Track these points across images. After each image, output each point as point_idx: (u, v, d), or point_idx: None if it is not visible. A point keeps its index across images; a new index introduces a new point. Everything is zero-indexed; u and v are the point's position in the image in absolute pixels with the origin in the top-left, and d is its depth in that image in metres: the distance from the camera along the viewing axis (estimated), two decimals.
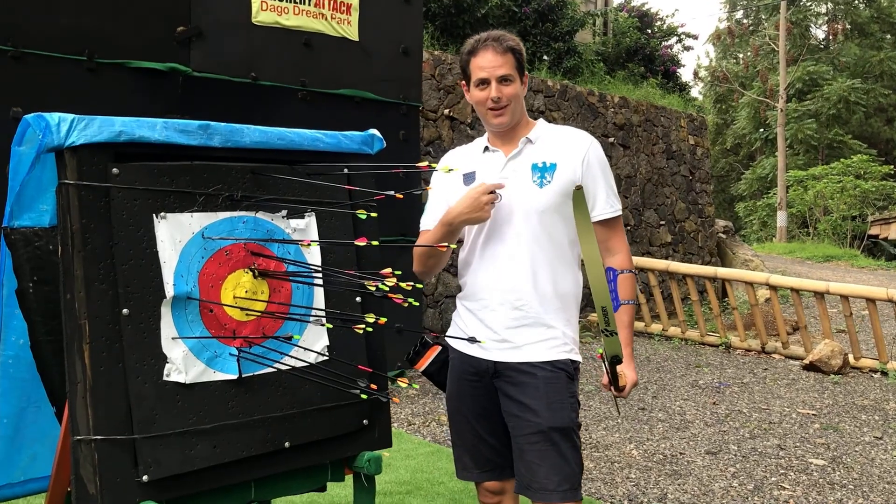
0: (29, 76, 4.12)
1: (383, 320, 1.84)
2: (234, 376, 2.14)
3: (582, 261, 2.12)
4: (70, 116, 1.95)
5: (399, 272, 1.82)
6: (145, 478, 1.95)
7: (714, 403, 5.74)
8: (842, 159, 23.05)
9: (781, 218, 22.70)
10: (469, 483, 3.80)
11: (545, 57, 10.80)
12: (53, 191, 2.01)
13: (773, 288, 7.67)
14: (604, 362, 2.13)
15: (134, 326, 1.99)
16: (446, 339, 2.30)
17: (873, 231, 21.05)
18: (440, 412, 5.17)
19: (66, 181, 1.94)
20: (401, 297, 1.81)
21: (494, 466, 2.32)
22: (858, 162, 22.27)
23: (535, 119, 2.42)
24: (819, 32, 31.36)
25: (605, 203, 2.28)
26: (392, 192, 1.72)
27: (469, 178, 2.33)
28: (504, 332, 2.22)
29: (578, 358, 2.27)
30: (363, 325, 1.88)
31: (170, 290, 2.04)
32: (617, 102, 10.16)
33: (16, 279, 2.11)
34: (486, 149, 2.36)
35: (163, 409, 2.01)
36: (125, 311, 1.98)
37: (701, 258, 11.50)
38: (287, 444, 2.21)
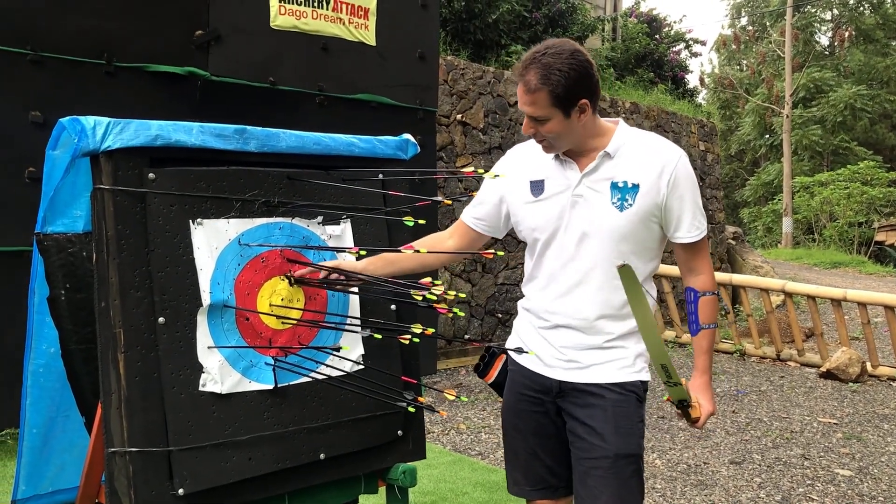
0: (48, 80, 4.08)
1: (431, 331, 1.78)
2: (270, 386, 2.09)
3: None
4: (106, 120, 1.91)
5: (440, 282, 1.77)
6: (181, 491, 1.90)
7: (733, 412, 5.68)
8: (849, 165, 23.00)
9: (787, 224, 22.63)
10: (496, 493, 3.78)
11: None
12: (88, 196, 1.97)
13: (789, 295, 7.61)
14: (673, 404, 2.06)
15: (170, 335, 1.94)
16: (511, 351, 2.19)
17: (879, 237, 20.97)
18: (458, 420, 5.11)
19: (102, 186, 1.90)
20: (445, 306, 1.75)
21: (547, 485, 2.22)
22: (865, 168, 22.22)
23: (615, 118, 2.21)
24: (824, 39, 31.36)
25: (691, 225, 2.09)
26: (440, 199, 1.67)
27: (537, 187, 2.13)
28: (572, 353, 2.10)
29: (648, 377, 2.14)
30: (409, 336, 1.82)
31: (206, 298, 1.99)
32: (628, 108, 10.12)
33: (47, 286, 2.06)
34: (558, 156, 2.14)
35: (198, 420, 1.96)
36: (161, 319, 1.93)
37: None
38: (322, 456, 2.16)
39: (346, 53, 5.36)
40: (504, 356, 2.26)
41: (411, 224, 1.80)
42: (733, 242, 12.38)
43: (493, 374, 2.27)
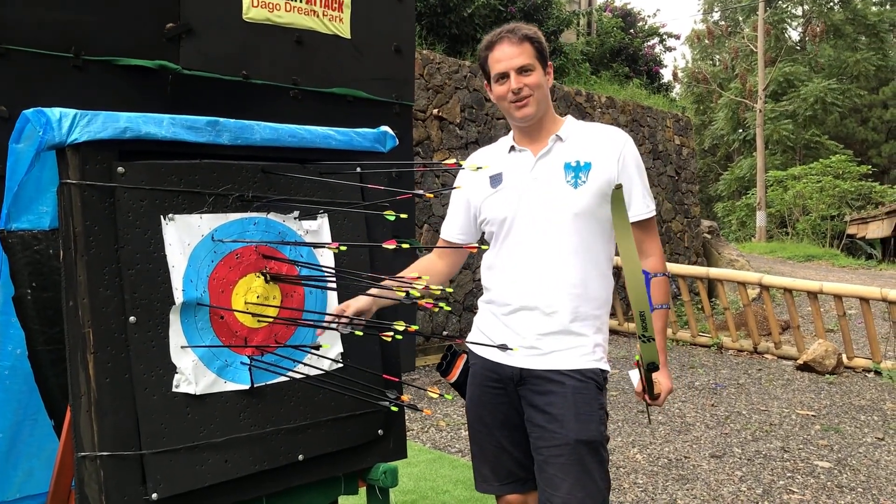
0: (13, 73, 3.96)
1: (414, 328, 1.73)
2: (246, 386, 2.03)
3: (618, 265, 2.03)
4: (72, 112, 1.84)
5: (428, 276, 1.71)
6: (154, 495, 1.84)
7: (713, 405, 5.68)
8: (821, 159, 23.24)
9: (761, 218, 22.83)
10: (474, 490, 3.72)
11: None
12: (54, 191, 1.89)
13: (766, 288, 7.64)
14: (639, 369, 2.03)
15: (141, 335, 1.88)
16: (471, 344, 2.18)
17: (851, 230, 21.23)
18: (438, 417, 5.06)
19: (68, 181, 1.83)
20: (431, 301, 1.70)
21: (516, 479, 2.20)
22: (837, 162, 22.47)
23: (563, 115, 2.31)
24: (795, 34, 31.65)
25: (641, 203, 2.16)
26: (422, 192, 1.61)
27: (496, 179, 2.21)
28: (533, 338, 2.10)
29: (608, 367, 2.15)
30: (391, 334, 1.76)
31: (179, 296, 1.93)
32: (604, 102, 10.12)
33: (12, 285, 1.98)
34: (513, 148, 2.23)
35: (172, 422, 1.90)
36: (132, 318, 1.86)
37: (687, 258, 11.49)
38: (301, 457, 2.10)
39: (321, 47, 5.27)
40: (465, 355, 2.26)
41: (392, 218, 1.75)
42: (709, 236, 12.45)
43: (455, 373, 2.27)
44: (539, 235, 2.12)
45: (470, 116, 8.13)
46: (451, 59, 8.11)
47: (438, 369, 2.32)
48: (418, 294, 1.74)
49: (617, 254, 2.04)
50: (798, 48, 30.83)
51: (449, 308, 1.75)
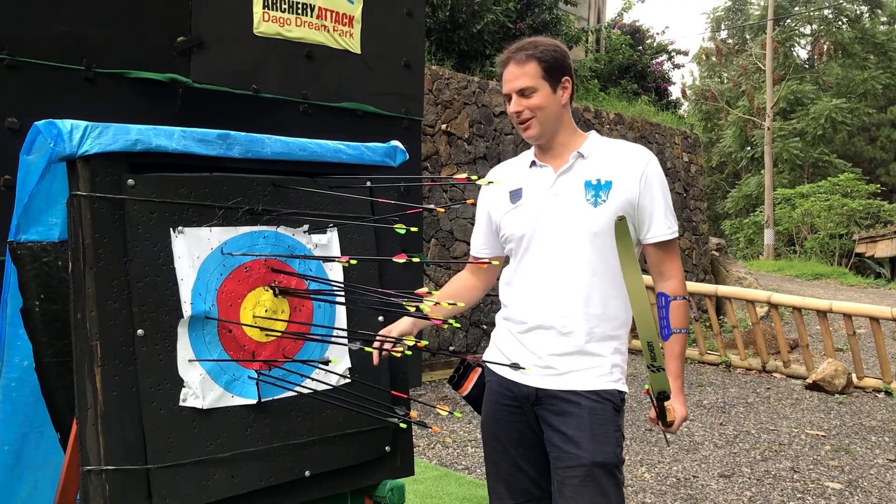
0: (25, 86, 3.99)
1: (424, 343, 1.71)
2: (254, 401, 2.01)
3: None
4: (83, 124, 1.83)
5: (437, 292, 1.70)
6: None
7: (721, 424, 5.64)
8: (829, 178, 23.18)
9: (768, 236, 22.75)
10: None
11: None
12: (64, 203, 1.89)
13: (775, 306, 7.60)
14: (651, 398, 2.00)
15: (149, 348, 1.87)
16: (488, 363, 2.16)
17: (859, 249, 21.13)
18: (444, 433, 5.03)
19: (79, 192, 1.82)
20: (440, 317, 1.68)
21: (531, 498, 2.17)
22: (846, 180, 22.40)
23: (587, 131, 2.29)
24: (803, 52, 31.67)
25: (663, 224, 2.11)
26: (432, 207, 1.60)
27: (515, 195, 2.19)
28: (548, 358, 2.07)
29: (625, 388, 2.12)
30: (402, 349, 1.75)
31: (187, 310, 1.91)
32: (612, 119, 10.12)
33: (21, 297, 1.98)
34: (534, 164, 2.21)
35: (178, 436, 1.89)
36: (140, 331, 1.85)
37: (695, 276, 11.45)
38: (308, 473, 2.08)
39: (331, 61, 5.29)
40: (480, 369, 2.23)
41: (402, 231, 1.74)
42: (717, 254, 12.40)
43: (468, 386, 2.25)
44: (557, 253, 2.10)
45: (478, 132, 8.13)
46: (460, 74, 8.13)
47: (450, 382, 2.30)
48: (428, 309, 1.72)
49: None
50: (806, 66, 30.83)
51: (458, 325, 1.73)
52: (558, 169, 2.15)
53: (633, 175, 2.09)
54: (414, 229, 1.77)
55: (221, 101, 4.72)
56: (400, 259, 1.76)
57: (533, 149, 2.26)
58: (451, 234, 7.74)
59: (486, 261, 1.93)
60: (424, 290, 1.71)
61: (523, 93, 2.12)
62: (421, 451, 4.66)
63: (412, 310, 1.71)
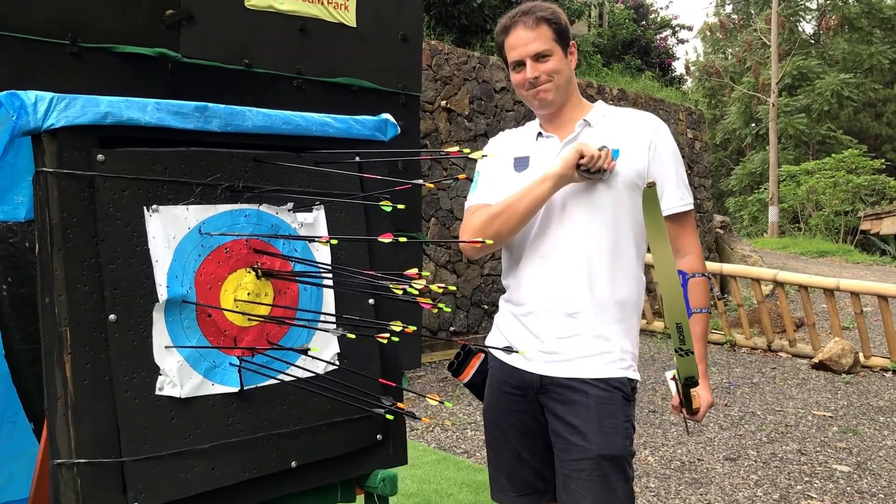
0: (7, 61, 3.84)
1: (412, 329, 1.61)
2: (236, 389, 1.91)
3: (650, 266, 1.89)
4: (49, 95, 1.73)
5: (427, 273, 1.59)
6: None
7: (726, 405, 5.54)
8: (833, 154, 22.97)
9: (773, 213, 22.59)
10: (482, 494, 3.61)
11: None
12: (30, 180, 1.78)
13: (780, 284, 7.48)
14: (676, 384, 1.88)
15: (122, 334, 1.76)
16: (490, 348, 2.04)
17: (864, 226, 20.97)
18: (444, 416, 4.94)
19: (45, 169, 1.71)
20: (429, 301, 1.57)
21: (533, 490, 2.06)
22: (851, 157, 22.20)
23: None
24: (809, 27, 31.31)
25: (675, 195, 1.98)
26: (421, 182, 1.49)
27: (521, 163, 2.06)
28: (553, 342, 1.94)
29: (637, 376, 1.99)
30: (388, 335, 1.64)
31: (163, 293, 1.80)
32: (616, 95, 9.96)
33: None
34: (540, 135, 2.08)
35: (155, 427, 1.78)
36: (112, 316, 1.74)
37: None
38: (294, 464, 1.98)
39: (326, 35, 5.13)
40: (482, 354, 2.10)
41: (389, 209, 1.62)
42: (721, 231, 12.27)
43: (469, 373, 2.12)
44: (561, 229, 1.97)
45: (479, 108, 7.99)
46: (460, 49, 7.97)
47: (450, 368, 2.18)
48: (416, 291, 1.60)
49: (649, 251, 1.90)
50: (812, 41, 30.49)
51: (448, 309, 1.62)
52: (564, 138, 2.04)
53: (642, 143, 1.97)
54: (401, 206, 1.65)
55: (213, 77, 4.56)
56: (386, 239, 1.64)
57: (537, 120, 2.13)
58: (451, 213, 7.62)
59: (480, 241, 1.78)
60: (414, 271, 1.59)
61: (538, 57, 1.99)
62: (419, 434, 4.57)
63: (399, 293, 1.59)
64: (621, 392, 1.93)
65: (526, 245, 2.04)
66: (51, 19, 3.95)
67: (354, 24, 5.30)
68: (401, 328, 1.61)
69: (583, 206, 1.95)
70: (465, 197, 7.29)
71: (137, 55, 4.26)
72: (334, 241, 1.76)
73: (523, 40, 2.00)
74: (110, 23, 4.16)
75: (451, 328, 7.37)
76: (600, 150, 1.90)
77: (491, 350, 2.09)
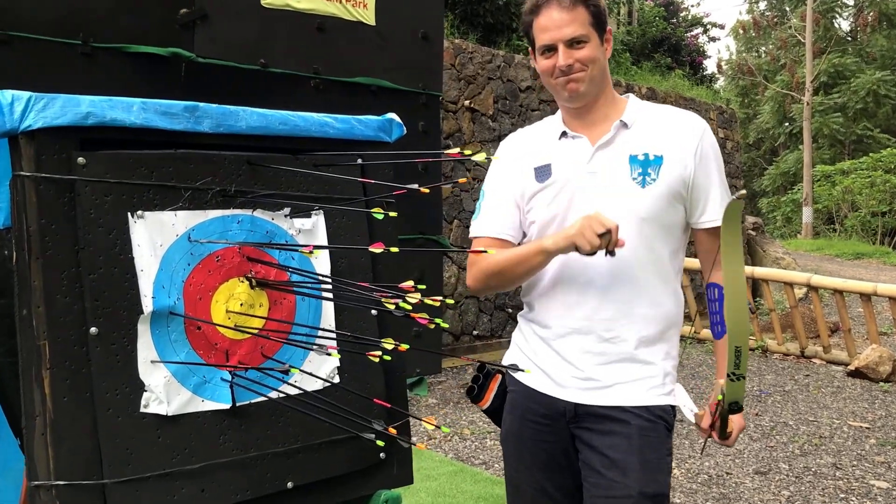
0: (17, 62, 3.78)
1: (405, 347, 1.48)
2: (227, 405, 1.80)
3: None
4: (26, 94, 1.63)
5: (423, 287, 1.46)
6: None
7: (757, 414, 5.35)
8: (871, 154, 22.46)
9: (807, 214, 22.15)
10: None
11: None
12: (7, 185, 1.69)
13: (814, 289, 7.25)
14: (719, 409, 1.73)
15: (104, 348, 1.66)
16: (508, 369, 1.88)
17: None
18: (462, 424, 4.82)
19: (22, 173, 1.61)
20: (425, 316, 1.45)
21: None
22: (889, 156, 21.68)
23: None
24: (845, 24, 30.69)
25: (719, 206, 1.81)
26: (416, 186, 1.37)
27: (543, 172, 1.87)
28: (590, 368, 1.79)
29: (676, 401, 1.85)
30: (380, 353, 1.51)
31: (148, 305, 1.70)
32: (645, 93, 9.77)
33: None
34: (564, 134, 1.89)
35: (140, 446, 1.68)
36: (93, 329, 1.64)
37: None
38: (290, 485, 1.86)
39: (344, 34, 5.03)
40: (500, 376, 1.94)
41: (381, 217, 1.50)
42: (753, 233, 12.01)
43: (489, 398, 1.95)
44: None
45: (503, 108, 7.85)
46: (484, 48, 7.85)
47: (469, 394, 2.00)
48: (409, 307, 1.48)
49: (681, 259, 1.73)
50: (848, 38, 29.88)
51: (447, 325, 1.49)
52: (596, 140, 1.85)
53: (688, 148, 1.80)
54: (392, 214, 1.53)
55: (228, 77, 4.49)
56: (376, 249, 1.52)
57: (559, 115, 1.95)
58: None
59: (483, 250, 1.64)
60: (409, 283, 1.47)
61: (573, 43, 1.80)
62: (437, 444, 4.45)
63: (391, 307, 1.46)
64: (664, 422, 1.78)
65: (561, 260, 1.85)
66: (62, 19, 3.89)
67: (373, 23, 5.20)
68: (393, 346, 1.49)
69: (622, 217, 1.76)
70: None
71: (151, 55, 4.18)
72: (317, 253, 1.64)
73: (557, 22, 1.80)
74: (123, 22, 4.09)
75: (475, 332, 7.25)
76: (601, 236, 1.66)
77: (512, 373, 1.93)
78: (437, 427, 1.49)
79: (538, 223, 1.88)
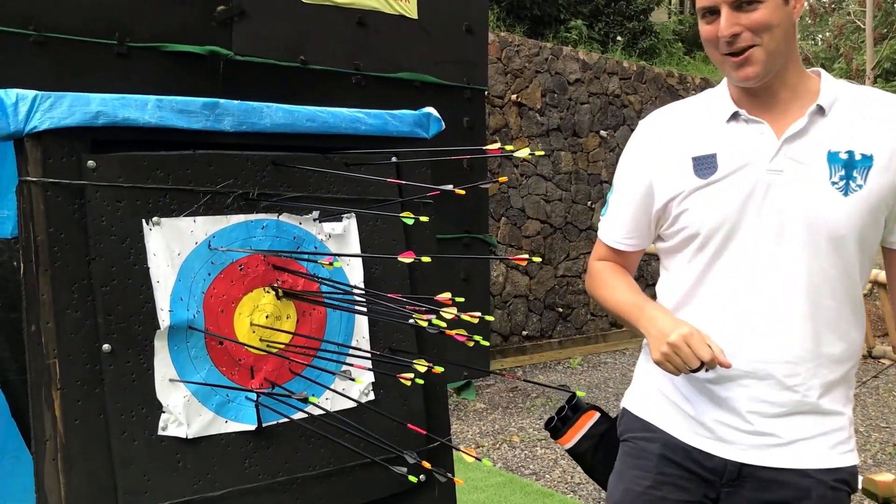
0: (53, 63, 3.75)
1: (439, 370, 1.32)
2: (253, 426, 1.67)
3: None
4: (31, 93, 1.51)
5: (461, 299, 1.30)
6: None
7: None
8: None
9: None
10: None
11: (619, 37, 10.15)
12: (15, 192, 1.58)
13: (882, 285, 6.89)
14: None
15: (118, 366, 1.54)
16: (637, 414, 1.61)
17: None
18: (511, 431, 4.64)
19: (28, 178, 1.50)
20: (463, 333, 1.28)
21: None
22: None
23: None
24: None
25: None
26: (450, 187, 1.21)
27: (706, 165, 1.47)
28: (765, 421, 1.46)
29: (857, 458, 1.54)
30: (412, 376, 1.36)
31: (165, 319, 1.57)
32: (698, 84, 9.45)
33: None
34: (736, 116, 1.48)
35: (158, 472, 1.56)
36: (106, 346, 1.52)
37: None
38: None
39: (385, 28, 4.92)
40: (595, 413, 1.66)
41: (411, 222, 1.34)
42: None
43: (575, 436, 1.67)
44: (780, 262, 1.44)
45: (552, 101, 7.64)
46: (531, 40, 7.65)
47: (548, 427, 1.72)
48: (444, 325, 1.31)
49: None
50: None
51: (487, 343, 1.33)
52: (784, 130, 1.43)
53: None
54: (424, 219, 1.37)
55: (266, 75, 4.42)
56: (406, 259, 1.36)
57: (725, 89, 1.52)
58: (522, 212, 7.30)
59: (526, 258, 1.41)
60: (446, 295, 1.31)
61: (741, 4, 1.37)
62: (485, 452, 4.29)
63: (424, 324, 1.30)
64: (848, 489, 1.49)
65: (712, 283, 1.51)
66: (97, 19, 3.84)
67: (416, 16, 5.08)
68: (426, 368, 1.33)
69: (814, 233, 1.43)
70: (537, 195, 6.92)
71: (188, 54, 4.13)
72: (337, 264, 1.49)
73: None
74: (159, 21, 4.03)
75: (524, 332, 7.06)
76: (702, 367, 1.40)
77: (650, 417, 1.60)
78: (478, 459, 1.33)
79: (704, 228, 1.48)
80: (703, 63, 11.10)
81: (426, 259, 1.30)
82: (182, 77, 4.11)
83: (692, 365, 1.39)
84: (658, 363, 1.45)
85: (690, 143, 1.51)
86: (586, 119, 7.94)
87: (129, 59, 3.94)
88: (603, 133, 8.03)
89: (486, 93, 5.85)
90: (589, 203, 7.92)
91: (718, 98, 1.53)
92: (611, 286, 1.64)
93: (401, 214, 1.39)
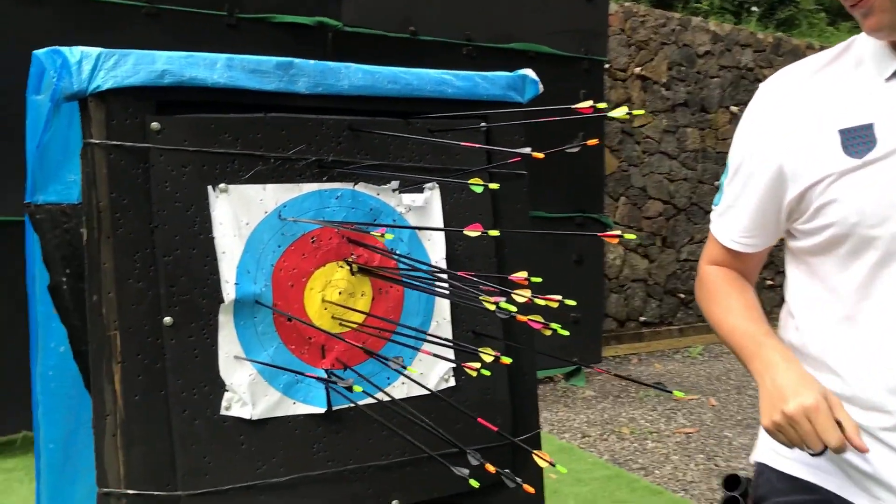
0: (165, 34, 3.80)
1: (507, 360, 1.16)
2: (322, 409, 1.56)
3: None
4: (95, 51, 1.43)
5: (539, 279, 1.12)
6: None
7: None
8: None
9: None
10: None
11: (754, 7, 9.54)
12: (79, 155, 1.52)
13: None
14: None
15: (180, 341, 1.46)
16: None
17: None
18: (621, 422, 4.41)
19: (91, 140, 1.43)
20: (539, 319, 1.11)
21: None
22: None
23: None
24: None
25: None
26: (528, 150, 1.04)
27: (859, 139, 1.18)
28: None
29: None
30: (478, 366, 1.20)
31: (230, 292, 1.48)
32: None
33: (47, 272, 1.63)
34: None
35: (219, 454, 1.48)
36: (167, 319, 1.44)
37: None
38: None
39: None
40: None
41: (480, 190, 1.18)
42: None
43: None
44: None
45: (678, 75, 7.25)
46: (657, 11, 7.28)
47: None
48: (514, 308, 1.13)
49: None
50: None
51: (567, 332, 1.14)
52: None
53: None
54: (494, 186, 1.20)
55: (376, 46, 4.34)
56: (473, 231, 1.20)
57: (882, 45, 1.21)
58: (643, 191, 6.98)
59: (618, 234, 1.16)
60: (521, 275, 1.14)
61: None
62: (591, 442, 4.08)
63: (492, 308, 1.14)
64: None
65: (881, 293, 1.20)
66: None
67: None
68: (493, 358, 1.16)
69: None
70: (660, 173, 6.52)
71: (296, 25, 4.09)
72: (390, 236, 1.35)
73: None
74: None
75: (641, 318, 6.76)
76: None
77: (790, 472, 1.32)
78: (553, 464, 1.15)
79: (861, 219, 1.18)
80: (848, 34, 10.31)
81: (494, 232, 1.15)
82: (290, 48, 4.08)
83: (813, 448, 1.11)
84: (767, 431, 1.19)
85: (835, 110, 1.21)
86: (716, 94, 7.49)
87: (238, 29, 3.95)
88: (734, 109, 7.56)
89: (606, 64, 5.57)
90: (716, 183, 7.49)
91: (871, 52, 1.21)
92: (725, 306, 1.37)
93: (469, 182, 1.22)
